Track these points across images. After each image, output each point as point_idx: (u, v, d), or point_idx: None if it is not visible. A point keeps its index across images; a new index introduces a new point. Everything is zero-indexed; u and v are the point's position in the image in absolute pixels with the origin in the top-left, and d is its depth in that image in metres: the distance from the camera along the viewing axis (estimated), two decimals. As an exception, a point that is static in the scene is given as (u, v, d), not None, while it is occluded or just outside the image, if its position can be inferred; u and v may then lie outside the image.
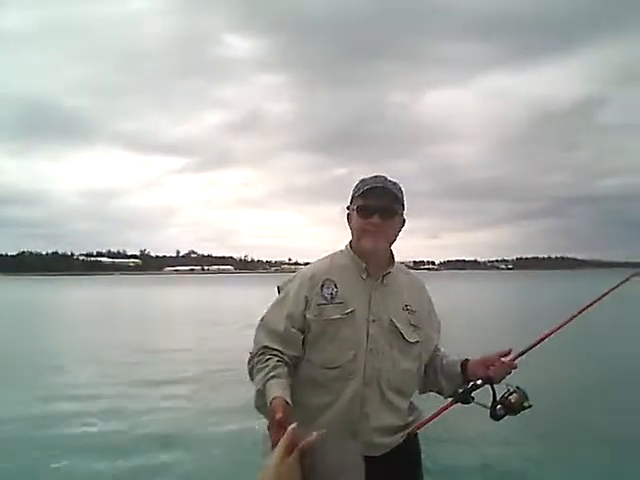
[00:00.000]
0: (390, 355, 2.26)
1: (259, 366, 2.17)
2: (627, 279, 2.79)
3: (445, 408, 2.42)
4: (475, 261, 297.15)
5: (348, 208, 2.38)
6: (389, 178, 2.34)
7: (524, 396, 2.34)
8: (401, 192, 2.34)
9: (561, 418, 7.83)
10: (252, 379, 2.21)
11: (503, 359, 2.35)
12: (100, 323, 23.94)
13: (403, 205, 2.35)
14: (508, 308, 29.65)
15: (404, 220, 2.38)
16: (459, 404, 2.39)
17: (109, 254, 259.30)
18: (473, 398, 2.37)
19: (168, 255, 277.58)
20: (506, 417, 2.36)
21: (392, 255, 2.40)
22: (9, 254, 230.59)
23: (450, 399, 2.42)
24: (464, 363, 2.39)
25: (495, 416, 2.35)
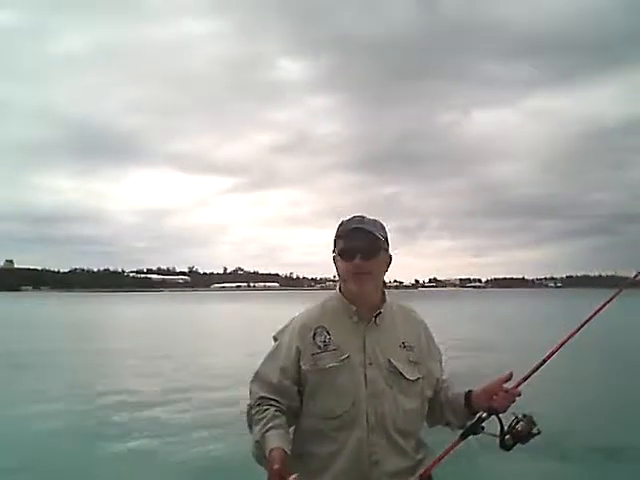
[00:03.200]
0: (392, 397, 2.19)
1: (257, 417, 2.13)
2: (619, 292, 2.65)
3: (455, 445, 2.31)
4: (523, 279, 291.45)
5: (333, 252, 2.32)
6: (368, 217, 2.28)
7: (531, 423, 2.26)
8: (382, 229, 2.29)
9: (576, 438, 7.68)
10: (251, 431, 2.16)
11: (505, 385, 2.27)
12: (139, 338, 24.48)
13: (387, 241, 2.30)
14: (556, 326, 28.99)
15: (390, 256, 2.33)
16: (469, 438, 2.29)
17: (159, 271, 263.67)
18: (483, 428, 2.29)
19: (216, 272, 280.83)
20: (517, 446, 2.26)
21: (383, 293, 2.34)
22: (61, 271, 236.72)
23: (459, 433, 2.31)
24: (467, 395, 2.31)
25: (505, 446, 2.27)
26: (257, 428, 2.09)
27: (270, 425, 2.06)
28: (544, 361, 2.40)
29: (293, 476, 1.57)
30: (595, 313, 2.52)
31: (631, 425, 8.31)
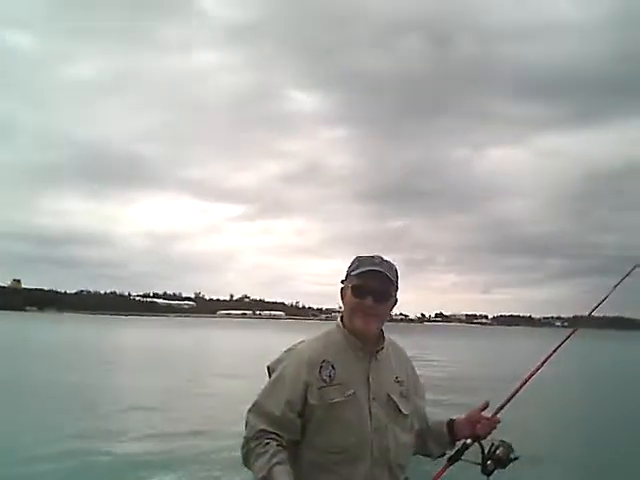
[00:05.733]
0: (392, 431, 2.27)
1: (258, 450, 2.12)
2: (573, 332, 3.01)
3: (441, 473, 2.49)
4: (530, 317, 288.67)
5: (342, 282, 2.39)
6: (385, 259, 2.35)
7: (510, 448, 2.45)
8: (396, 274, 2.37)
9: (548, 463, 8.48)
10: (248, 464, 2.17)
11: (483, 413, 2.45)
12: (123, 366, 24.60)
13: (397, 286, 2.38)
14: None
15: (396, 300, 2.41)
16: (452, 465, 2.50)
17: (165, 296, 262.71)
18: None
19: (222, 299, 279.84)
20: (496, 471, 2.46)
21: (382, 331, 2.40)
22: (68, 292, 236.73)
23: (439, 460, 2.53)
24: (450, 423, 2.48)
25: (486, 472, 2.45)
26: (260, 462, 2.09)
27: (275, 460, 2.07)
28: (517, 391, 2.61)
29: None
30: (556, 348, 2.80)
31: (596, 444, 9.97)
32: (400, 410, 2.32)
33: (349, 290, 2.34)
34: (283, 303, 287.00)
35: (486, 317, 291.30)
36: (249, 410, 2.28)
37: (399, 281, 2.41)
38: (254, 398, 2.31)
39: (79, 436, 9.95)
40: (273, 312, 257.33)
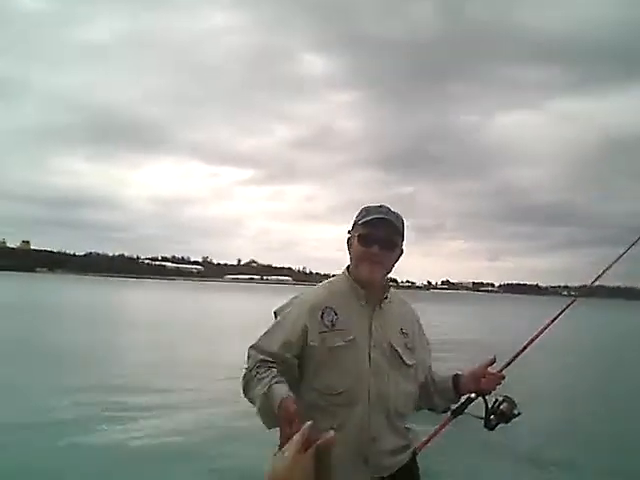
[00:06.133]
0: (394, 379, 2.29)
1: (259, 376, 2.17)
2: (573, 301, 3.00)
3: (444, 425, 2.55)
4: (537, 286, 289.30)
5: (349, 232, 2.43)
6: (392, 209, 2.37)
7: (513, 404, 2.48)
8: (402, 224, 2.38)
9: (550, 422, 8.86)
10: (248, 392, 2.22)
11: (490, 369, 2.47)
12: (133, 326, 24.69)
13: (403, 237, 2.40)
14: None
15: (402, 251, 2.43)
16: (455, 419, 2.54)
17: (173, 259, 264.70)
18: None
19: (229, 263, 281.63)
20: (498, 426, 2.49)
21: (387, 281, 2.44)
22: (77, 254, 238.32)
23: (444, 415, 2.56)
24: (455, 378, 2.49)
25: (489, 426, 2.49)
26: (262, 383, 2.13)
27: (277, 380, 2.11)
28: (524, 348, 2.65)
29: (309, 422, 1.44)
30: (557, 316, 2.81)
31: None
32: (403, 360, 2.34)
33: (356, 239, 2.38)
34: (290, 268, 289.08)
35: (492, 285, 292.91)
36: (250, 347, 2.33)
37: (404, 233, 2.41)
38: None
39: (84, 390, 10.16)
40: (280, 277, 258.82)
